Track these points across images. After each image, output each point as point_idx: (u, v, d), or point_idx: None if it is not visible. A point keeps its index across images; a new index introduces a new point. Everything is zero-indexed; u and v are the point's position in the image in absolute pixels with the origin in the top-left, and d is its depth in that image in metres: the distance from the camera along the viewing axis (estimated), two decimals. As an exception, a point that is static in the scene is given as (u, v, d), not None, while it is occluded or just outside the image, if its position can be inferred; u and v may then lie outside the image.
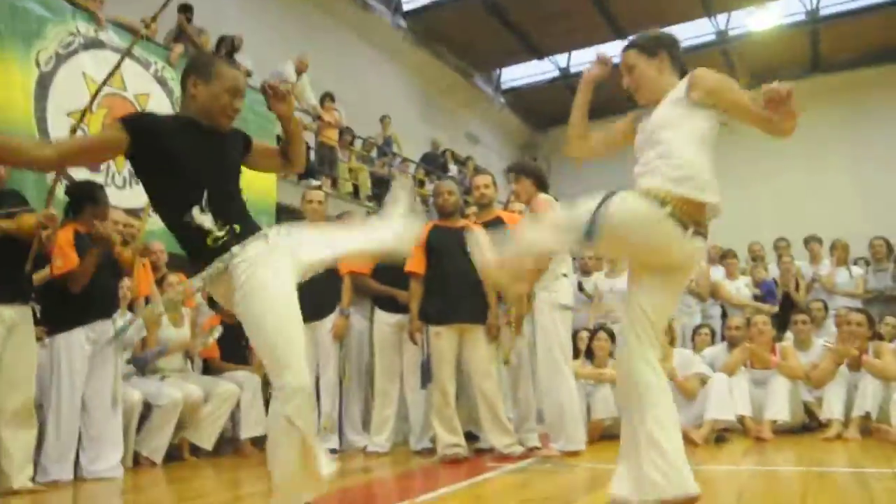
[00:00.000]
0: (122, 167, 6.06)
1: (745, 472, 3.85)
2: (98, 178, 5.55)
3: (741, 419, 5.20)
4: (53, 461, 3.89)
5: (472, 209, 5.74)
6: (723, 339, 6.35)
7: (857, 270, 7.72)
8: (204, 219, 2.31)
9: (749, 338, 5.50)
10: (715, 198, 2.33)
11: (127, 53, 4.82)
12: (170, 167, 2.29)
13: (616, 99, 3.12)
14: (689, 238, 2.31)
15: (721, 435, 5.03)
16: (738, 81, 2.39)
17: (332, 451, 4.92)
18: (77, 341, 4.00)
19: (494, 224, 4.86)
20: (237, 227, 2.34)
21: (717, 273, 7.86)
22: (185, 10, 7.60)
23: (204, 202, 2.32)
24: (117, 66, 4.63)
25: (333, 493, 3.75)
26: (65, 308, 4.00)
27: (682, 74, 2.51)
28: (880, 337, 5.59)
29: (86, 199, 4.10)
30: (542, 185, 4.76)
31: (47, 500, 3.59)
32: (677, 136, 2.37)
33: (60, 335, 4.01)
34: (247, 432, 5.10)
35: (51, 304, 4.05)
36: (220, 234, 2.31)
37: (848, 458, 4.25)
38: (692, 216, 2.31)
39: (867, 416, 4.93)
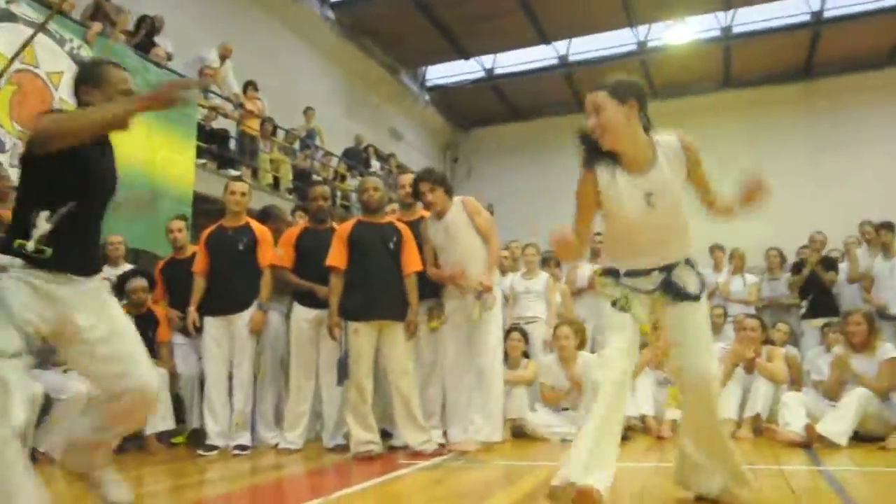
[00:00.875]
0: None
1: (646, 468, 4.03)
2: (4, 157, 5.30)
3: (643, 418, 5.44)
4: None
5: (393, 206, 5.78)
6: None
7: (751, 278, 8.18)
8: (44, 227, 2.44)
9: (653, 340, 5.75)
10: None
11: (42, 28, 4.63)
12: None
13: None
14: None
15: (624, 433, 5.23)
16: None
17: (244, 447, 4.87)
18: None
19: (418, 223, 4.93)
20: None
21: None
22: (104, -14, 7.31)
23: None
24: (30, 40, 4.45)
25: (244, 491, 3.73)
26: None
27: (646, 128, 2.62)
28: (772, 342, 5.95)
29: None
30: (450, 193, 4.87)
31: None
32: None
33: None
34: (152, 427, 4.98)
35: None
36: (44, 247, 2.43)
37: (740, 455, 4.51)
38: None
39: (758, 417, 5.25)
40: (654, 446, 4.96)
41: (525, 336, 5.91)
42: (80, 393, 4.44)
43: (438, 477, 3.77)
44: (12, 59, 4.56)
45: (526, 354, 5.85)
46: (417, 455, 4.40)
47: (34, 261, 2.41)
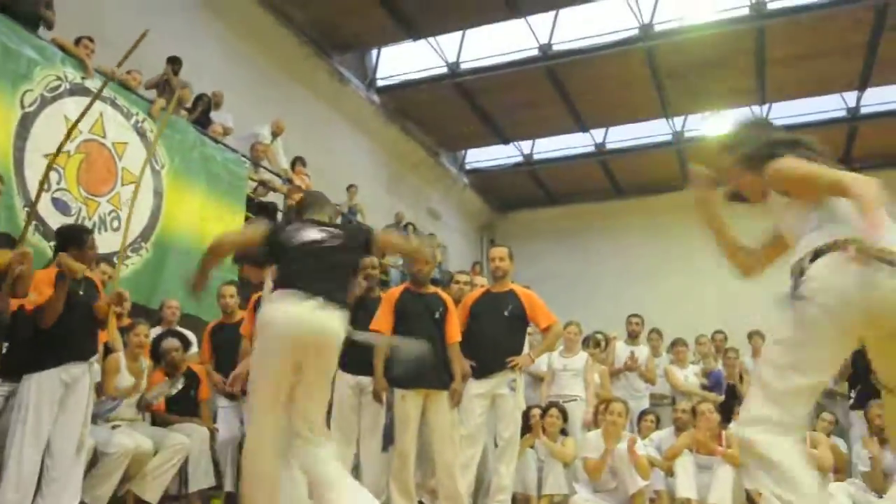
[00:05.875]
0: (93, 212, 6.07)
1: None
2: (70, 221, 5.56)
3: (685, 502, 5.32)
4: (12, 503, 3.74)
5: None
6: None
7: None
8: None
9: (695, 424, 5.68)
10: None
11: (97, 96, 5.02)
12: None
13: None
14: None
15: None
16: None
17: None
18: (48, 382, 3.92)
19: (508, 297, 5.03)
20: None
21: (665, 360, 8.09)
22: (174, 62, 7.80)
23: None
24: (88, 107, 4.82)
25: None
26: (38, 348, 3.93)
27: None
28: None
29: (70, 241, 4.13)
30: None
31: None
32: None
33: (33, 374, 3.92)
34: (195, 485, 5.01)
35: (22, 344, 3.95)
36: None
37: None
38: None
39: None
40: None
41: (564, 413, 5.88)
42: (127, 448, 4.52)
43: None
44: (75, 124, 4.89)
45: (563, 432, 5.81)
46: (456, 527, 4.36)
47: None
